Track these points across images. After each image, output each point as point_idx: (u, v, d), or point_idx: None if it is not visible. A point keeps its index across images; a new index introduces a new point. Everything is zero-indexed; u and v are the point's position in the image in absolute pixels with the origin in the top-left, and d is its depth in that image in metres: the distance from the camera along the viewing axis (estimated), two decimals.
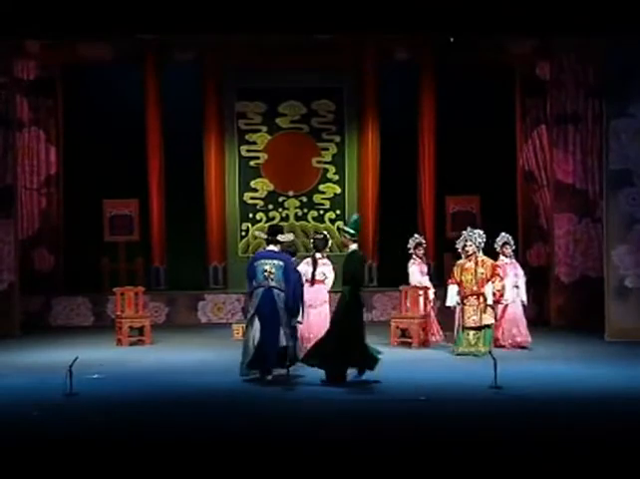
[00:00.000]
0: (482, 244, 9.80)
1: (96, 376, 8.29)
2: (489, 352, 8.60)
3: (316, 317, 9.14)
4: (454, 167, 13.22)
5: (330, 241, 9.68)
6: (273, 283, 7.98)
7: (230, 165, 13.78)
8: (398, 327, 10.38)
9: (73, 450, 5.87)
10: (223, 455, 5.78)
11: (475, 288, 9.65)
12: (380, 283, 13.31)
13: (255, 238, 11.65)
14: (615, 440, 6.02)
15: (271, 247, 8.19)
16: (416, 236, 10.73)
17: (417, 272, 10.51)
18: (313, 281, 9.29)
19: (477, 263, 9.69)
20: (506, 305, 10.06)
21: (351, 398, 7.42)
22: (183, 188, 13.37)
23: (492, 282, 9.67)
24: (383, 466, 5.50)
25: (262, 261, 8.09)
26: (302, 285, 8.32)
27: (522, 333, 10.14)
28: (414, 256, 10.52)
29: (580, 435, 6.23)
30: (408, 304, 10.41)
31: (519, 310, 10.19)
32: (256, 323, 7.96)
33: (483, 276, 9.66)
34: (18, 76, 12.60)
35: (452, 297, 9.81)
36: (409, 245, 10.53)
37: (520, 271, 10.36)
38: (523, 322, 10.19)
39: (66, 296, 12.95)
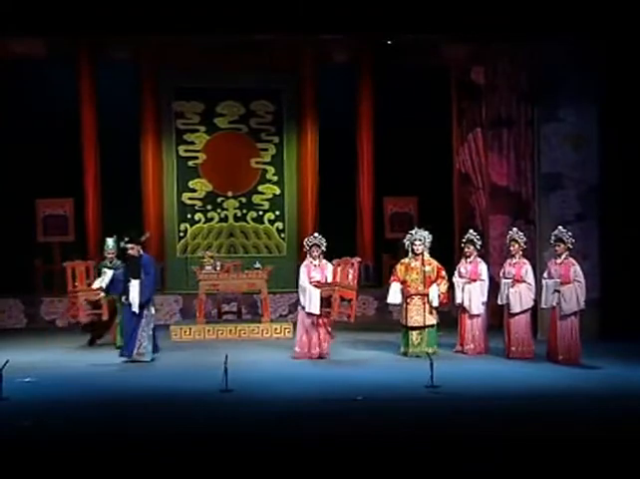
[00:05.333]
0: (430, 244, 9.79)
1: (28, 380, 8.12)
2: (428, 354, 8.69)
3: None
4: (392, 168, 13.38)
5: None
6: None
7: (168, 165, 13.66)
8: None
9: (3, 455, 5.74)
10: (161, 456, 5.72)
11: (420, 288, 9.63)
12: None
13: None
14: (549, 438, 6.17)
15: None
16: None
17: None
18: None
19: (423, 263, 9.69)
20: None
21: (291, 397, 7.43)
22: (120, 187, 13.17)
23: (438, 285, 9.65)
24: (323, 466, 5.53)
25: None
26: None
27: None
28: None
29: (514, 433, 6.36)
30: (339, 275, 9.89)
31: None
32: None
33: (430, 276, 9.64)
34: None
35: (394, 295, 9.71)
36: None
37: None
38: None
39: None
